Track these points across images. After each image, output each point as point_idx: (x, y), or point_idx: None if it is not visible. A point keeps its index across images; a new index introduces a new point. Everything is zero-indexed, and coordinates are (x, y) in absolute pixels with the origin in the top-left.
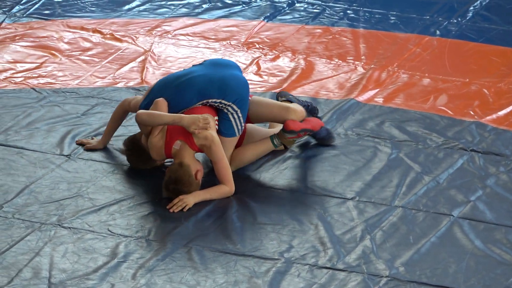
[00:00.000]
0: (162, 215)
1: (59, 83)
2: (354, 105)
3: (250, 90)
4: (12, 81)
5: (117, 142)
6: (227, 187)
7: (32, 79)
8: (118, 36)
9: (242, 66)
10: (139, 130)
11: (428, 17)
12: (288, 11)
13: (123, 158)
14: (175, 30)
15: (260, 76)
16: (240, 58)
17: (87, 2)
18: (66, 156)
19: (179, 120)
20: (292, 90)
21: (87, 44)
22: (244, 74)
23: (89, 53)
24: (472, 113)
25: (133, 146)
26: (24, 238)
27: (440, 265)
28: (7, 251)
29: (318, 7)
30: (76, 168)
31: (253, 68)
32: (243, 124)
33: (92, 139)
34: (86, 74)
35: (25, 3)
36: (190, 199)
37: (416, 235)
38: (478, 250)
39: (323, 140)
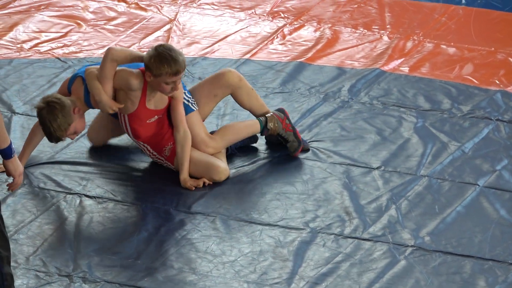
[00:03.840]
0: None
1: (84, 53)
2: (380, 74)
3: (275, 60)
4: (37, 51)
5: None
6: (181, 132)
7: (57, 49)
8: (143, 5)
9: (267, 36)
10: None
11: None
12: None
13: None
14: None
15: (285, 45)
16: (265, 27)
17: None
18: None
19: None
20: (317, 60)
21: (112, 14)
22: (269, 44)
23: (114, 22)
24: (497, 82)
25: (55, 100)
26: (49, 208)
27: (466, 235)
28: (33, 221)
29: None
30: None
31: (278, 37)
32: (193, 98)
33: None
34: (111, 44)
35: None
36: (187, 181)
37: (442, 204)
38: (503, 219)
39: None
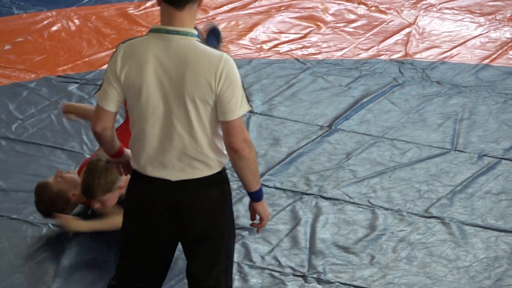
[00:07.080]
0: (421, 189)
1: (323, 54)
2: None
3: None
4: (276, 52)
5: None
6: None
7: (296, 50)
8: (382, 9)
9: (507, 41)
10: None
11: None
12: None
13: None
14: (440, 4)
15: None
16: (505, 33)
17: None
18: (328, 127)
19: None
20: None
21: (352, 16)
22: (509, 50)
23: (354, 25)
24: None
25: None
26: (285, 208)
27: None
28: (269, 220)
29: None
30: (338, 140)
31: None
32: None
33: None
34: (350, 46)
35: None
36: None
37: None
38: None
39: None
